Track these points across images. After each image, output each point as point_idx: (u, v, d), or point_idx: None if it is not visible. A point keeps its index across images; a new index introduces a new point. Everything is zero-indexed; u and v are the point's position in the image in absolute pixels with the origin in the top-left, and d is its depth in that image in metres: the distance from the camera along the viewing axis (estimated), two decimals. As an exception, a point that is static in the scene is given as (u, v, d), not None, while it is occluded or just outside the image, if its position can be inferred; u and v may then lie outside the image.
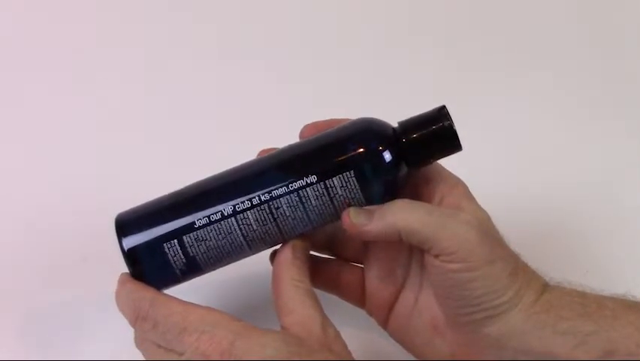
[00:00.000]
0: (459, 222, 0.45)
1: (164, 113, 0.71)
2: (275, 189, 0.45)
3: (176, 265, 0.45)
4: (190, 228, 0.45)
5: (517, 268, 0.46)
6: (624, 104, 0.72)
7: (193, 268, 0.46)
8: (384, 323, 0.51)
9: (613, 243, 0.62)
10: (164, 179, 0.64)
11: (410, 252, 0.49)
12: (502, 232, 0.48)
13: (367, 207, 0.46)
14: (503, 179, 0.64)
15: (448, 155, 0.47)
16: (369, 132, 0.46)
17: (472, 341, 0.46)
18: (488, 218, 0.47)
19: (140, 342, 0.45)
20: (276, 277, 0.45)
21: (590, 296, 0.46)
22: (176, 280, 0.46)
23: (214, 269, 0.47)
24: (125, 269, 0.46)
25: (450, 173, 0.49)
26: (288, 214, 0.45)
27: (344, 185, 0.45)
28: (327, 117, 0.49)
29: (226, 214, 0.45)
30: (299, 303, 0.44)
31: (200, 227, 0.45)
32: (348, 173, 0.45)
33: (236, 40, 0.75)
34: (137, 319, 0.44)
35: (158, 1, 0.77)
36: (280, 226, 0.45)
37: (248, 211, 0.45)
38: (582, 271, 0.55)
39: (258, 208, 0.45)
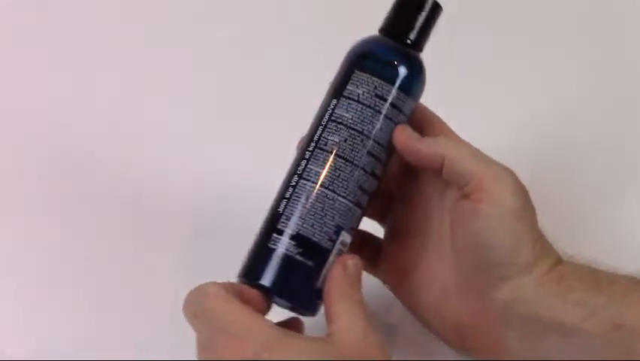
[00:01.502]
0: (502, 167, 0.47)
1: (164, 113, 0.70)
2: (315, 134, 0.47)
3: (289, 251, 0.46)
4: (277, 215, 0.47)
5: (539, 236, 0.47)
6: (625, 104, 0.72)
7: (305, 244, 0.46)
8: (398, 288, 0.51)
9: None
10: (164, 178, 0.64)
11: (435, 215, 0.50)
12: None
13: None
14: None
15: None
16: (365, 52, 0.49)
17: (480, 308, 0.47)
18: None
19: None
20: (327, 290, 0.46)
21: (602, 272, 0.47)
22: (305, 269, 0.46)
23: (330, 239, 0.47)
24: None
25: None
26: (337, 140, 0.47)
27: (364, 83, 0.47)
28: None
29: (294, 183, 0.47)
30: (345, 312, 0.44)
31: (283, 210, 0.47)
32: (362, 73, 0.48)
33: (235, 40, 0.75)
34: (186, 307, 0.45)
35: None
36: (341, 153, 0.47)
37: (308, 164, 0.47)
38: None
39: (313, 155, 0.47)
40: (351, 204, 0.47)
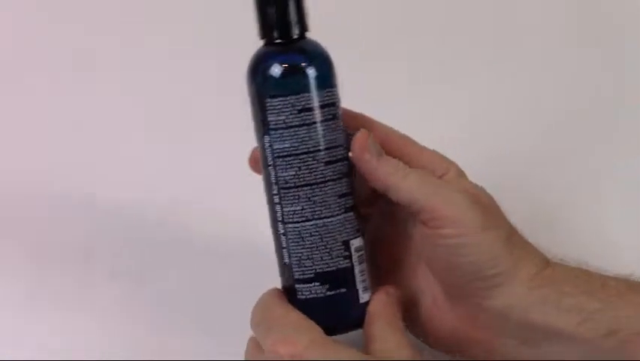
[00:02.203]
0: (450, 189, 0.46)
1: (164, 113, 0.71)
2: (270, 177, 0.46)
3: (319, 293, 0.46)
4: (287, 268, 0.47)
5: (514, 240, 0.46)
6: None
7: (328, 278, 0.46)
8: None
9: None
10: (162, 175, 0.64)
11: (409, 232, 0.49)
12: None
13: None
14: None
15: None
16: (264, 76, 0.45)
17: (472, 316, 0.46)
18: (485, 192, 0.48)
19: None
20: (370, 313, 0.46)
21: (594, 275, 0.46)
22: (342, 299, 0.46)
23: (344, 257, 0.46)
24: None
25: (442, 157, 0.49)
26: (293, 173, 0.45)
27: (281, 107, 0.45)
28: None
29: (283, 231, 0.46)
30: (387, 334, 0.45)
31: (289, 261, 0.46)
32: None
33: (235, 39, 0.75)
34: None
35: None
36: (304, 181, 0.45)
37: (283, 208, 0.46)
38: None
39: (281, 197, 0.46)
40: (341, 216, 0.46)
